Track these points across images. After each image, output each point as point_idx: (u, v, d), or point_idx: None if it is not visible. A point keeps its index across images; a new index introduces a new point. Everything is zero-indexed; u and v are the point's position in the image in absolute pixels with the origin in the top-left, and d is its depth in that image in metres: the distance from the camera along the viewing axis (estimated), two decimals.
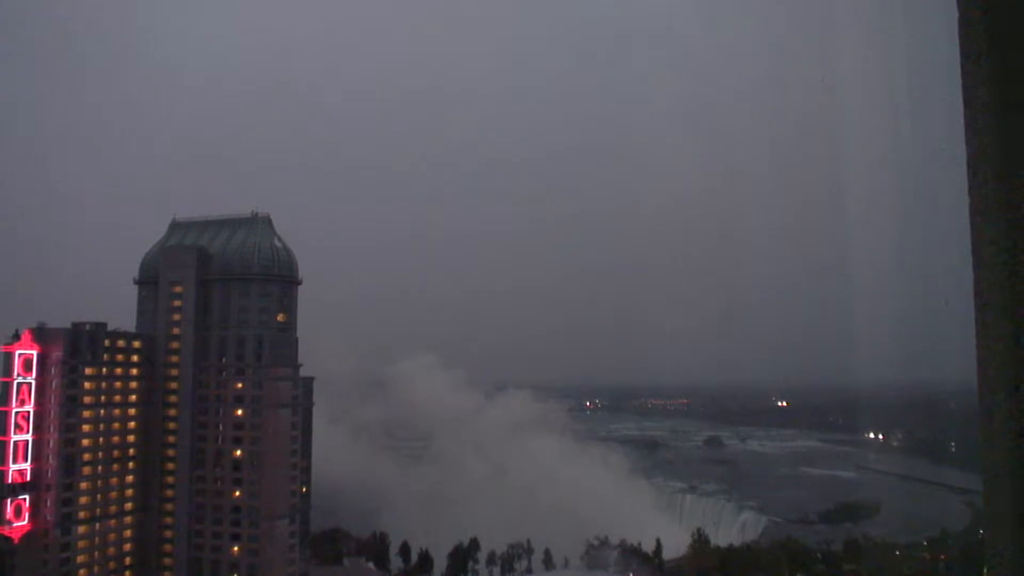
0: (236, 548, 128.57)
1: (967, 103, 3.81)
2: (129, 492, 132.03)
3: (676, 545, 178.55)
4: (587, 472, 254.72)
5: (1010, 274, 3.57)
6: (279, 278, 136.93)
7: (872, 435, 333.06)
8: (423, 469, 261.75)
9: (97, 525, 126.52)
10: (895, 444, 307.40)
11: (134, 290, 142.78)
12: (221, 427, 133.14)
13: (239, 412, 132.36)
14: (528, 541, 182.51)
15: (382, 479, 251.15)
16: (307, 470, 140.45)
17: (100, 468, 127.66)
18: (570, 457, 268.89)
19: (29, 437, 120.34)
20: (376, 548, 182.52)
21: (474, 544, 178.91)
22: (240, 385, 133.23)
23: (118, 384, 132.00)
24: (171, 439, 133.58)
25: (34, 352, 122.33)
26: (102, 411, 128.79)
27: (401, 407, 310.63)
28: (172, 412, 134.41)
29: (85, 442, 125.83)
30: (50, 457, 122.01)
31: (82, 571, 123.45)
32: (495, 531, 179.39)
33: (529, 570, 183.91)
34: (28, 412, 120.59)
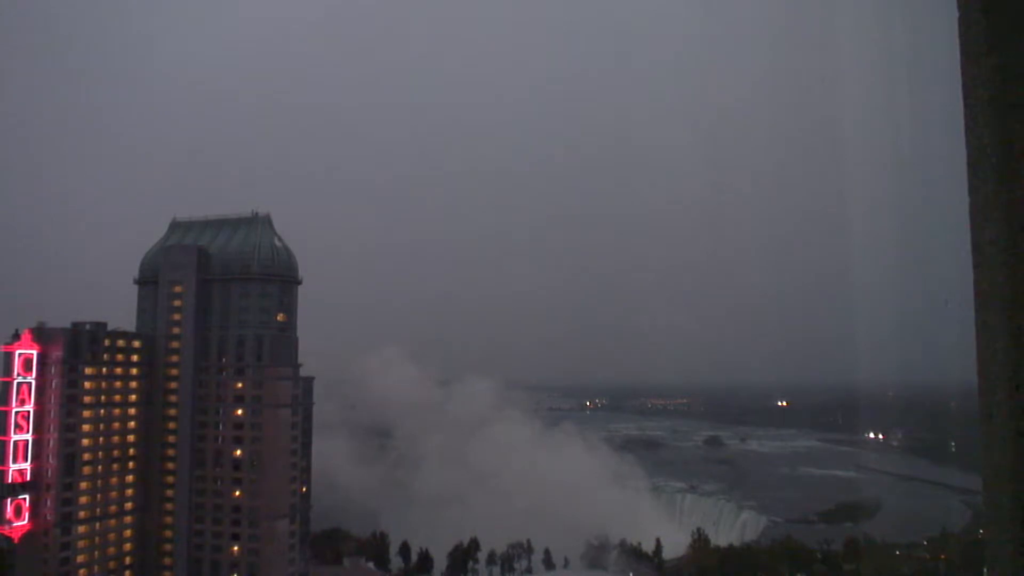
0: (236, 548, 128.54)
1: (967, 103, 3.81)
2: (129, 492, 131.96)
3: (676, 545, 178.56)
4: (586, 472, 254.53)
5: (1010, 274, 3.57)
6: (279, 278, 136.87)
7: (872, 435, 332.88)
8: (416, 468, 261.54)
9: (97, 525, 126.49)
10: (895, 444, 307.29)
11: (134, 290, 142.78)
12: (221, 427, 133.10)
13: (239, 412, 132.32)
14: (528, 541, 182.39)
15: (378, 479, 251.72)
16: (307, 470, 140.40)
17: (100, 468, 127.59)
18: (569, 457, 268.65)
19: (29, 437, 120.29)
20: (376, 548, 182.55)
21: (474, 544, 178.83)
22: (240, 385, 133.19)
23: (118, 384, 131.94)
24: (171, 439, 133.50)
25: (34, 352, 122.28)
26: (102, 411, 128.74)
27: (390, 405, 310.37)
28: (172, 412, 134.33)
29: (85, 442, 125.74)
30: (50, 457, 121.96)
31: (82, 571, 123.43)
32: (494, 530, 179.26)
33: (529, 570, 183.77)
34: (28, 412, 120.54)
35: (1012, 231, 3.57)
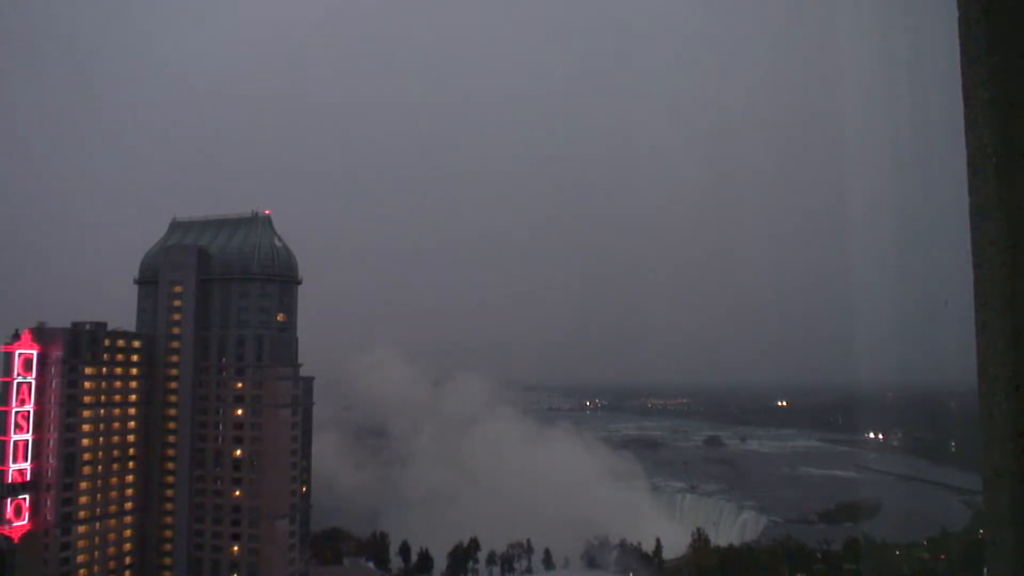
0: (236, 548, 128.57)
1: (967, 103, 3.81)
2: (129, 492, 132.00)
3: (676, 545, 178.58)
4: (586, 472, 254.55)
5: (1010, 274, 3.57)
6: (279, 278, 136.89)
7: (872, 435, 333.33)
8: (417, 468, 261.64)
9: (97, 525, 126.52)
10: (895, 444, 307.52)
11: (134, 290, 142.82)
12: (221, 427, 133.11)
13: (239, 412, 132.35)
14: (528, 541, 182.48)
15: (378, 478, 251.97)
16: (307, 470, 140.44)
17: (100, 468, 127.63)
18: (569, 457, 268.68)
19: (29, 437, 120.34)
20: (376, 548, 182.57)
21: (474, 544, 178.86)
22: (240, 385, 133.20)
23: (118, 384, 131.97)
24: (171, 439, 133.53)
25: (34, 352, 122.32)
26: (102, 411, 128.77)
27: (390, 405, 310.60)
28: (172, 412, 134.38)
29: (85, 442, 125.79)
30: (50, 457, 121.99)
31: (82, 571, 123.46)
32: (494, 530, 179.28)
33: (529, 570, 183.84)
34: (28, 412, 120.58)
35: (1012, 231, 3.57)
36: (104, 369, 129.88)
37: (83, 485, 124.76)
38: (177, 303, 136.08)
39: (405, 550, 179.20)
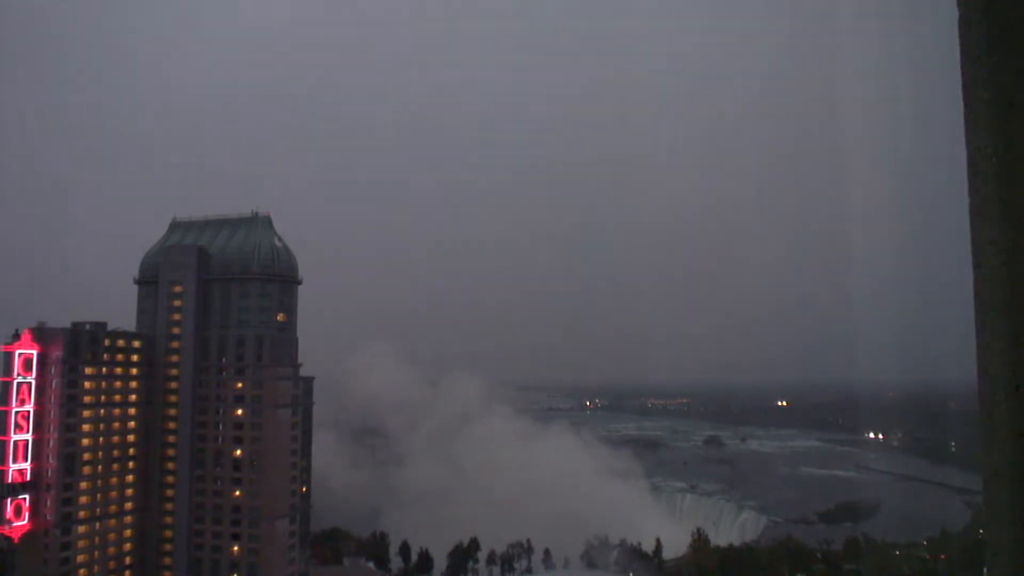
0: (236, 548, 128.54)
1: (967, 103, 3.81)
2: (129, 492, 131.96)
3: (676, 545, 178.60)
4: (586, 472, 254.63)
5: (1010, 274, 3.57)
6: (279, 278, 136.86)
7: (872, 435, 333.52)
8: (417, 468, 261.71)
9: (97, 525, 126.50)
10: (895, 444, 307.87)
11: (134, 290, 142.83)
12: (221, 427, 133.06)
13: (239, 412, 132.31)
14: (528, 541, 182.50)
15: (378, 479, 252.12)
16: (307, 470, 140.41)
17: (100, 468, 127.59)
18: (569, 457, 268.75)
19: (29, 437, 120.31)
20: (376, 548, 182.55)
21: (474, 544, 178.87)
22: (240, 385, 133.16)
23: (118, 384, 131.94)
24: (171, 439, 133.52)
25: (34, 352, 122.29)
26: (102, 411, 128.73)
27: (390, 405, 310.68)
28: (172, 412, 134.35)
29: (85, 442, 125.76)
30: (50, 457, 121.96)
31: (82, 571, 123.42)
32: (494, 530, 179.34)
33: (529, 570, 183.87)
34: (28, 412, 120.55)
35: (1012, 231, 3.57)
36: (104, 369, 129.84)
37: (83, 485, 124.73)
38: (177, 303, 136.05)
39: (405, 550, 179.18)
